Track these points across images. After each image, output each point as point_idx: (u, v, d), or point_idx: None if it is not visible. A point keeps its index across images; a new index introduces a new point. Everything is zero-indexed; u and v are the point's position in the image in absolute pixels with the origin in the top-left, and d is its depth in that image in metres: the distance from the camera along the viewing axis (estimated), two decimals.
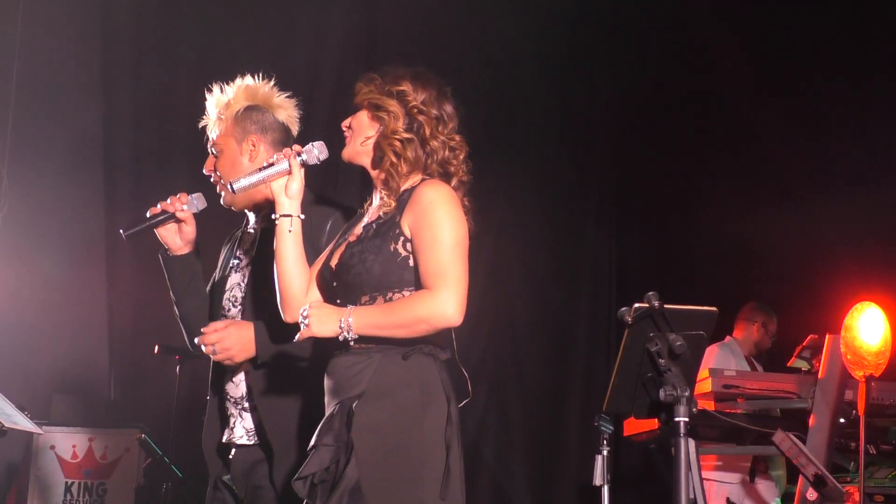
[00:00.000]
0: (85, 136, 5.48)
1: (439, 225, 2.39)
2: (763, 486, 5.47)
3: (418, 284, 2.40)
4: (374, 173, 2.56)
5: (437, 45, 6.13)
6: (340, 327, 2.35)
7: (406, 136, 2.49)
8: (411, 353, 2.39)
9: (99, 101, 5.55)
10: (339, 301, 2.49)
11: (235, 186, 2.50)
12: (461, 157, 2.54)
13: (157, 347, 4.83)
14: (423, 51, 5.95)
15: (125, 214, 5.21)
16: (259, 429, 2.85)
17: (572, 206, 6.99)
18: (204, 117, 3.04)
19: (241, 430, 2.89)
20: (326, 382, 2.48)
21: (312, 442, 2.40)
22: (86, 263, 5.36)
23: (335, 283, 2.50)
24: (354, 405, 2.37)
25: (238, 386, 2.91)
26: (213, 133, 3.01)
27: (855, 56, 6.24)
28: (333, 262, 2.52)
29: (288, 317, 2.54)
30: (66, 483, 4.90)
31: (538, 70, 6.82)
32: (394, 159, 2.49)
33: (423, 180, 2.49)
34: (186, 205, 2.96)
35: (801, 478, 4.13)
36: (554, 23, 6.69)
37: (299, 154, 2.50)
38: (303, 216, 2.51)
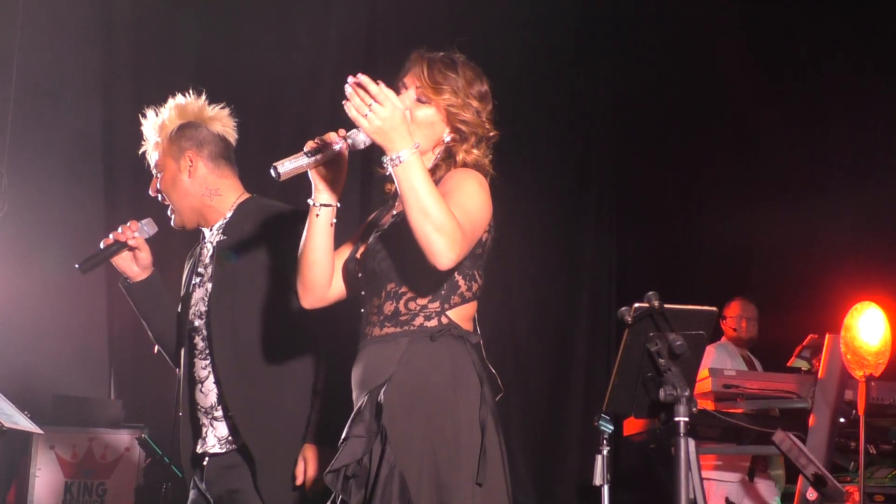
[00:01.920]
0: (85, 136, 5.48)
1: (470, 195, 2.34)
2: (762, 486, 5.48)
3: (446, 272, 2.30)
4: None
5: (436, 45, 6.11)
6: (398, 152, 2.16)
7: (481, 159, 2.48)
8: (439, 335, 2.33)
9: (99, 101, 5.55)
10: (363, 293, 2.45)
11: (281, 170, 2.23)
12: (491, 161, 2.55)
13: (156, 347, 4.82)
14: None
15: (125, 214, 5.19)
16: (234, 435, 2.84)
17: (572, 206, 6.99)
18: (143, 143, 3.07)
19: (214, 439, 2.88)
20: (354, 374, 2.42)
21: (344, 434, 2.34)
22: None
23: (360, 273, 2.44)
24: (382, 391, 2.30)
25: (207, 396, 2.90)
26: (152, 157, 3.05)
27: (855, 55, 6.24)
28: (359, 253, 2.46)
29: (305, 303, 2.49)
30: (66, 483, 4.89)
31: (538, 70, 6.82)
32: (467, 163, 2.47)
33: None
34: (137, 232, 3.01)
35: (801, 478, 4.13)
36: (554, 23, 6.69)
37: (345, 138, 2.29)
38: (339, 204, 2.39)
